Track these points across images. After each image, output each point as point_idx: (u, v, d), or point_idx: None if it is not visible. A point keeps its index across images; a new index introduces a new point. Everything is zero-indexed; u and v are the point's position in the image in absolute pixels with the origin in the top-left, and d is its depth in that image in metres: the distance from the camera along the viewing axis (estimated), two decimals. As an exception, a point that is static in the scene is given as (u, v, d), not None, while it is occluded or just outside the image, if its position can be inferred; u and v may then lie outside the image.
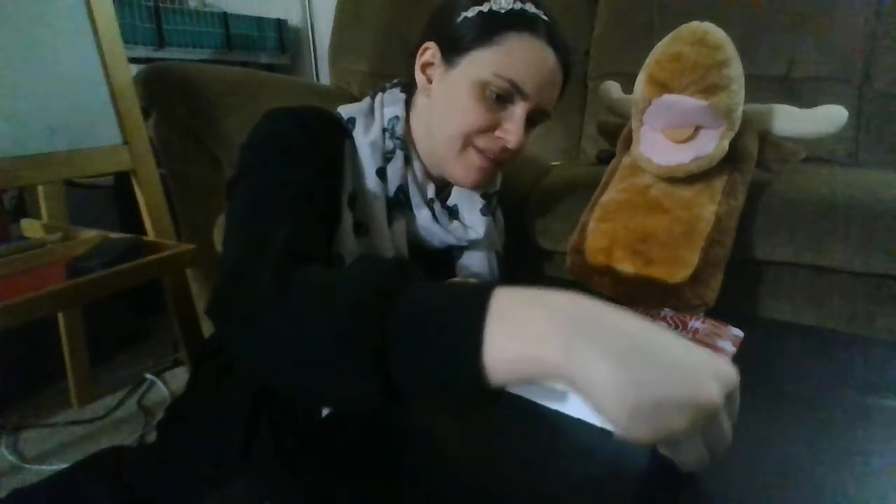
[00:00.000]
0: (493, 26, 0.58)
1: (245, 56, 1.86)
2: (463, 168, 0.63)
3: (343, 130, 0.64)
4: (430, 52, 0.62)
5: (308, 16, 2.01)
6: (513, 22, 0.58)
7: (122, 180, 1.28)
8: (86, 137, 0.88)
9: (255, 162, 0.56)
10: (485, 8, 0.58)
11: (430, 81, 0.63)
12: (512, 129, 0.60)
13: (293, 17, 2.04)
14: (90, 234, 0.96)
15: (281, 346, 0.38)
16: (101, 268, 0.81)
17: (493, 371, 0.32)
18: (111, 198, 1.45)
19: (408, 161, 0.65)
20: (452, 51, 0.60)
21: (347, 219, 0.59)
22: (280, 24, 1.97)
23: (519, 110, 0.60)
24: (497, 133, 0.61)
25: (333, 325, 0.36)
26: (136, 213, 1.00)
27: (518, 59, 0.58)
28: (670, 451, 0.33)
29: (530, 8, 0.59)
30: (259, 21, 1.90)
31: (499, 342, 0.32)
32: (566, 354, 0.31)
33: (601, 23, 1.44)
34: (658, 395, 0.30)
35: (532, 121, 0.62)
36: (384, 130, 0.64)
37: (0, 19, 0.78)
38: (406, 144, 0.65)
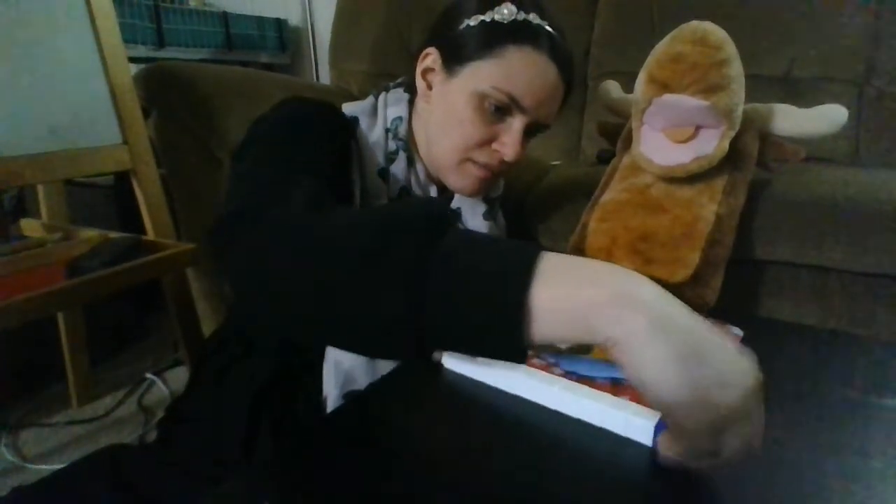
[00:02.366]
0: (495, 37, 0.57)
1: (245, 56, 1.86)
2: (460, 179, 0.63)
3: (350, 128, 0.63)
4: (430, 57, 0.62)
5: (308, 15, 2.01)
6: (514, 34, 0.57)
7: (122, 180, 1.29)
8: (86, 137, 0.88)
9: (271, 136, 0.53)
10: (487, 17, 0.57)
11: (430, 87, 0.63)
12: (509, 143, 0.60)
13: (293, 17, 2.04)
14: (90, 234, 0.96)
15: (310, 261, 0.34)
16: (100, 267, 0.81)
17: (536, 318, 0.30)
18: (111, 197, 1.45)
19: (410, 162, 0.64)
20: (453, 59, 0.59)
21: None
22: (280, 24, 1.97)
23: (517, 123, 0.59)
24: (494, 145, 0.61)
25: (372, 240, 0.33)
26: (135, 213, 1.00)
27: (518, 73, 0.57)
28: (684, 445, 0.32)
29: (534, 19, 0.57)
30: (259, 20, 1.90)
31: (547, 285, 0.30)
32: (616, 306, 0.29)
33: (601, 23, 1.44)
34: (706, 373, 0.28)
35: (530, 132, 0.62)
36: (387, 131, 0.64)
37: None
38: (409, 146, 0.64)
